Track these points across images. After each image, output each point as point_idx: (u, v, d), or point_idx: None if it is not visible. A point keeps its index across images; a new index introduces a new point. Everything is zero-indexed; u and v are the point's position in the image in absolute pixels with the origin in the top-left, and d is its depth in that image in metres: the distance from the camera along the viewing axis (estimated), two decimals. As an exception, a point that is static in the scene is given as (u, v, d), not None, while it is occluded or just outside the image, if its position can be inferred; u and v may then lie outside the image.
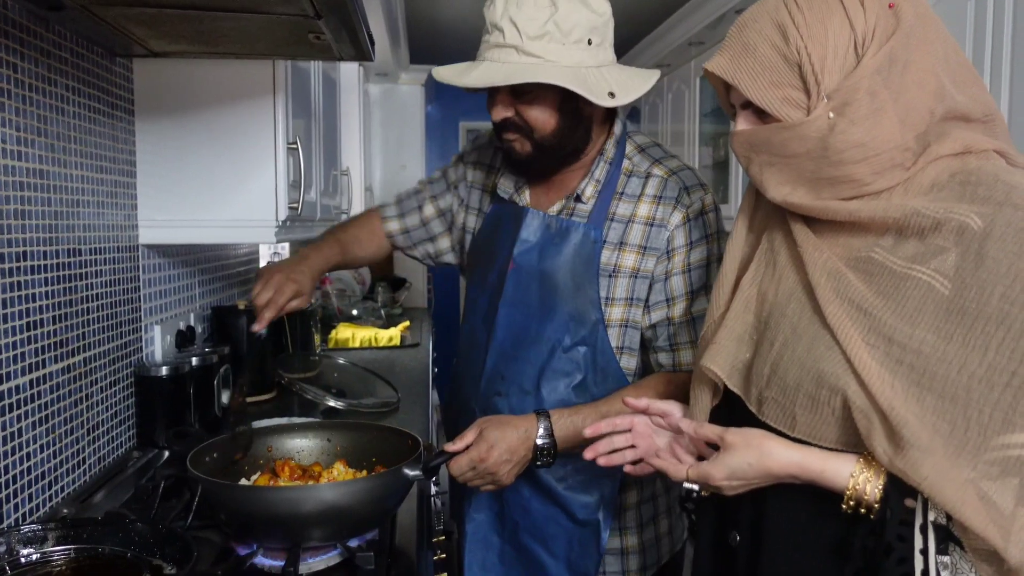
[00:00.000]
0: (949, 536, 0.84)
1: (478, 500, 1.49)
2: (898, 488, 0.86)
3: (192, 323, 2.04)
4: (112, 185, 1.62)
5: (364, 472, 1.35)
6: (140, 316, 1.76)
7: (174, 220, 1.75)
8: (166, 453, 1.68)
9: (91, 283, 1.52)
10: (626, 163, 1.42)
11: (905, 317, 0.87)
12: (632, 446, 1.14)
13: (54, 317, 1.38)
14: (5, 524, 1.22)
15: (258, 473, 1.36)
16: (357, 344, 3.09)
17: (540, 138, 1.34)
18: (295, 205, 1.83)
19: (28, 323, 1.29)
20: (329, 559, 1.19)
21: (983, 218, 0.85)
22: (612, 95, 1.27)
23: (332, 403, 2.01)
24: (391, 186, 4.34)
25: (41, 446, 1.34)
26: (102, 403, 1.57)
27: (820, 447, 0.92)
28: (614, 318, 1.39)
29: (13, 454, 1.25)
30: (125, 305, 1.68)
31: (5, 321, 1.22)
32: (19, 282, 1.27)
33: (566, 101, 1.31)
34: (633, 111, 4.56)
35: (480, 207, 1.56)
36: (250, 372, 2.10)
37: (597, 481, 1.43)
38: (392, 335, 3.17)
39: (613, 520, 1.45)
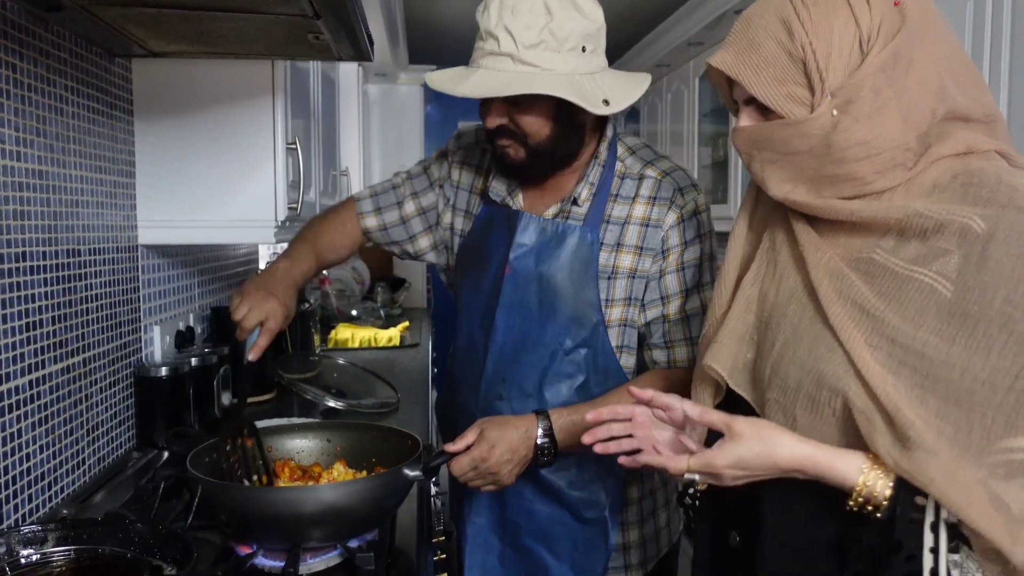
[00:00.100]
0: (959, 535, 0.83)
1: (478, 503, 1.49)
2: (908, 485, 0.85)
3: (191, 323, 2.04)
4: (111, 185, 1.62)
5: (364, 473, 1.35)
6: (139, 316, 1.76)
7: (173, 220, 1.75)
8: (166, 453, 1.68)
9: (90, 283, 1.52)
10: (619, 165, 1.42)
11: (907, 319, 0.87)
12: (630, 435, 1.14)
13: (53, 318, 1.37)
14: (5, 525, 1.22)
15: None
16: (356, 344, 3.09)
17: (534, 144, 1.35)
18: (294, 205, 1.83)
19: (27, 324, 1.29)
20: (329, 559, 1.19)
21: (986, 220, 0.85)
22: (607, 102, 1.28)
23: (332, 403, 2.01)
24: (390, 186, 4.32)
25: (41, 447, 1.33)
26: (102, 404, 1.57)
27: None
28: (613, 318, 1.40)
29: (13, 455, 1.25)
30: (124, 305, 1.68)
31: (5, 321, 1.22)
32: (18, 283, 1.26)
33: (561, 109, 1.31)
34: (633, 111, 4.56)
35: (468, 209, 1.54)
36: (249, 375, 2.10)
37: (602, 479, 1.43)
38: (391, 335, 3.17)
39: (619, 517, 1.46)
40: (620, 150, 1.44)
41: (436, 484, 1.58)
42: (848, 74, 0.90)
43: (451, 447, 1.29)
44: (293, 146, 1.80)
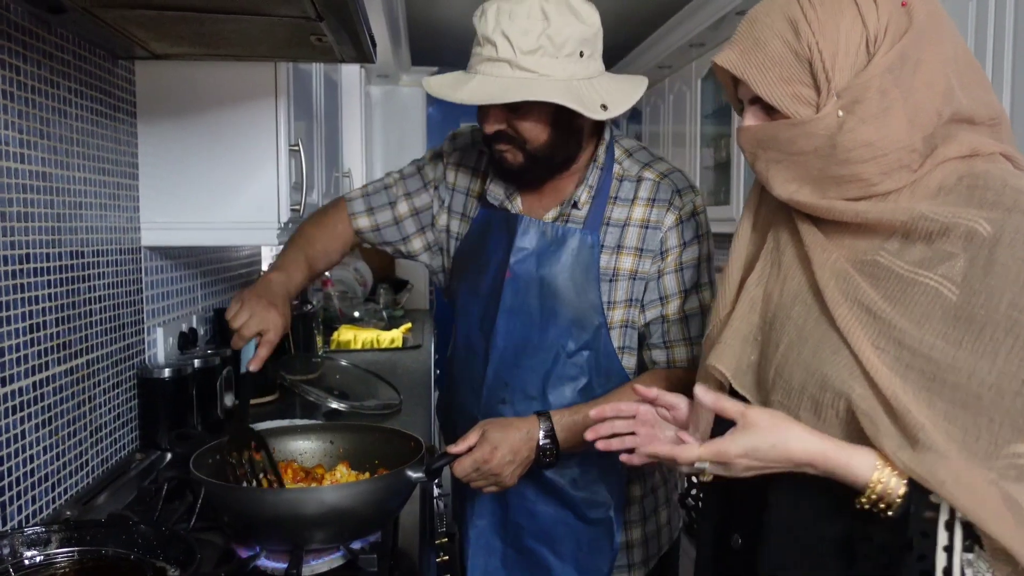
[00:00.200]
0: (973, 534, 0.83)
1: (480, 505, 1.49)
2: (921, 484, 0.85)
3: (194, 325, 2.04)
4: (114, 187, 1.62)
5: (367, 474, 1.35)
6: (143, 318, 1.77)
7: (176, 222, 1.75)
8: (169, 455, 1.68)
9: (94, 285, 1.52)
10: (617, 168, 1.43)
11: (913, 322, 0.86)
12: (632, 433, 1.13)
13: (57, 319, 1.38)
14: (9, 526, 1.22)
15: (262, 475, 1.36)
16: (359, 346, 3.09)
17: (533, 150, 1.35)
18: (297, 207, 1.83)
19: (31, 325, 1.29)
20: (332, 561, 1.19)
21: (992, 224, 0.85)
22: (604, 107, 1.28)
23: (334, 405, 2.01)
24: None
25: (44, 448, 1.34)
26: (105, 405, 1.58)
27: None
28: (615, 320, 1.41)
29: (16, 456, 1.25)
30: (128, 307, 1.69)
31: (8, 323, 1.23)
32: (22, 284, 1.27)
33: (559, 114, 1.31)
34: (635, 113, 4.56)
35: (465, 211, 1.54)
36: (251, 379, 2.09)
37: (605, 479, 1.43)
38: (394, 337, 3.17)
39: (623, 516, 1.46)
40: (617, 152, 1.45)
41: (439, 486, 1.58)
42: (854, 74, 0.90)
43: (453, 448, 1.29)
44: (296, 148, 1.80)
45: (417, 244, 1.60)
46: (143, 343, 1.77)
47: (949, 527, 0.83)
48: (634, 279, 1.40)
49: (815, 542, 0.94)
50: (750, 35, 0.95)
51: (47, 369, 1.35)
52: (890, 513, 0.86)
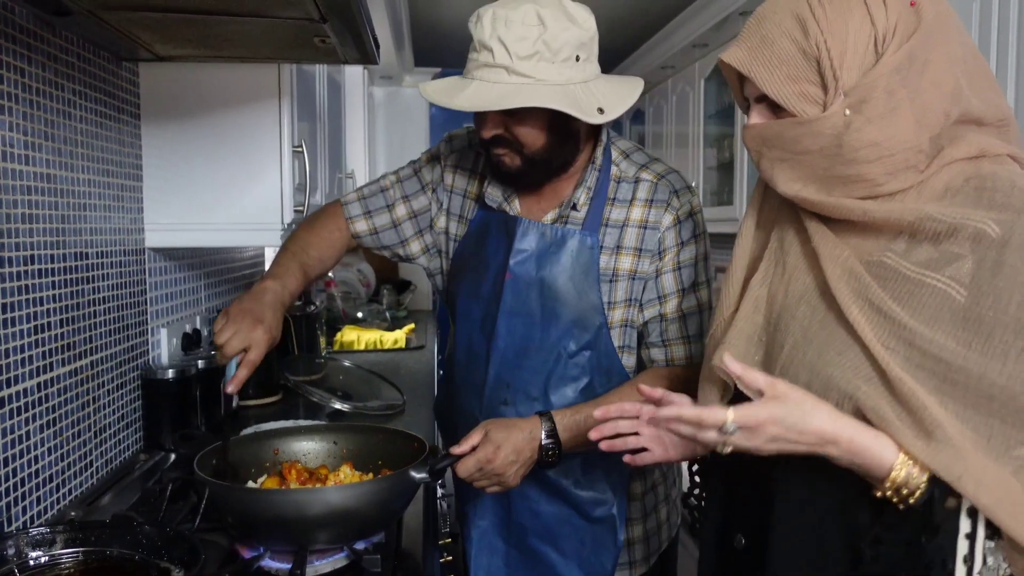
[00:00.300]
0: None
1: (482, 505, 1.49)
2: None
3: (198, 326, 2.04)
4: (118, 189, 1.63)
5: (370, 475, 1.35)
6: (146, 319, 1.77)
7: (180, 223, 1.75)
8: (173, 456, 1.68)
9: (98, 286, 1.53)
10: (614, 169, 1.43)
11: (922, 323, 0.86)
12: (636, 433, 1.13)
13: (61, 320, 1.38)
14: (13, 527, 1.22)
15: (265, 476, 1.36)
16: (362, 346, 3.10)
17: (530, 154, 1.35)
18: (300, 208, 1.83)
19: (35, 326, 1.29)
20: (336, 562, 1.20)
21: (1001, 225, 0.84)
22: (601, 111, 1.28)
23: (338, 406, 2.01)
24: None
25: (48, 449, 1.34)
26: (109, 406, 1.58)
27: None
28: (616, 320, 1.42)
29: (21, 457, 1.25)
30: (131, 308, 1.69)
31: (13, 324, 1.23)
32: (26, 285, 1.27)
33: (556, 118, 1.31)
34: (637, 113, 4.56)
35: (463, 213, 1.54)
36: (255, 377, 2.09)
37: (608, 477, 1.44)
38: (397, 337, 3.17)
39: (626, 514, 1.46)
40: (614, 154, 1.45)
41: (442, 486, 1.58)
42: (862, 74, 0.90)
43: (457, 449, 1.29)
44: (299, 149, 1.81)
45: (415, 247, 1.59)
46: (147, 344, 1.77)
47: (972, 514, 0.83)
48: (633, 279, 1.40)
49: (821, 543, 0.94)
50: (758, 33, 0.95)
51: (51, 370, 1.35)
52: (911, 501, 0.85)
